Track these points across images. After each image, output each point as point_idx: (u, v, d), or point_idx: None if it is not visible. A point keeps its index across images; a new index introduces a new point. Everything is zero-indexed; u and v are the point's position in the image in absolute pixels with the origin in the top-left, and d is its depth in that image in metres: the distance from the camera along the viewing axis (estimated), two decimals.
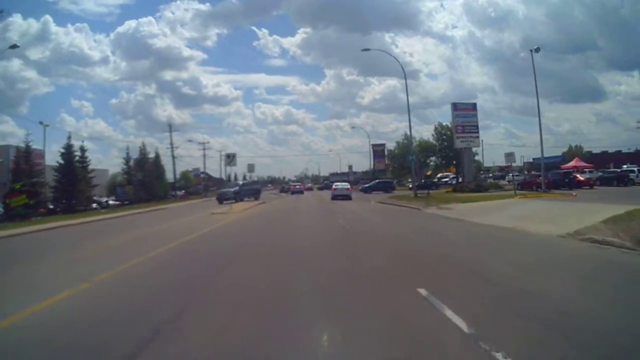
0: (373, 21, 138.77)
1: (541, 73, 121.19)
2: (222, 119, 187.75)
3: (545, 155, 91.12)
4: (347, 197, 43.33)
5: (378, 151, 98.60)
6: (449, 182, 77.09)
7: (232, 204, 36.19)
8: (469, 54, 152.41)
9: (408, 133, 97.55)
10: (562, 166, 57.62)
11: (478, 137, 47.11)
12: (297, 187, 70.62)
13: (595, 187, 42.22)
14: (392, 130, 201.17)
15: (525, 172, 79.79)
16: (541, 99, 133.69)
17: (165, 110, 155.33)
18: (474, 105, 47.91)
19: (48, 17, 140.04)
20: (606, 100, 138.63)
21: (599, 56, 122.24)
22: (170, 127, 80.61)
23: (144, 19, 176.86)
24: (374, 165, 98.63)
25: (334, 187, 48.09)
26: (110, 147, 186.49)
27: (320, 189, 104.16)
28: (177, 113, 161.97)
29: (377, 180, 77.99)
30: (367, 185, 69.79)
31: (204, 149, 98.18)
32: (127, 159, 72.53)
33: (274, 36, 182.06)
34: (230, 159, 43.24)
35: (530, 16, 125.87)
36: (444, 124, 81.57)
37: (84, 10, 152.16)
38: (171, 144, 78.55)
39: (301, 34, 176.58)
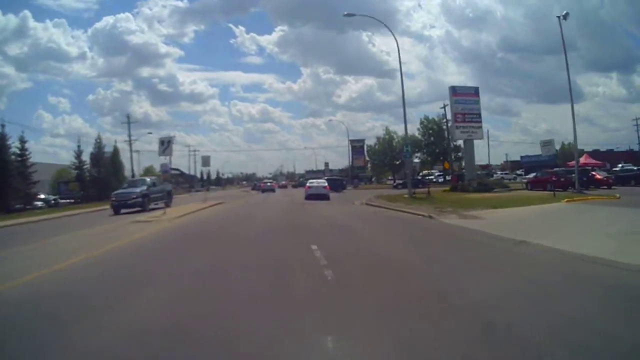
0: (350, 20, 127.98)
1: (518, 74, 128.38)
2: (199, 117, 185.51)
3: (533, 154, 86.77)
4: (323, 197, 34.92)
5: (357, 147, 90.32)
6: (435, 179, 69.13)
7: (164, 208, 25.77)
8: (446, 54, 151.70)
9: (387, 129, 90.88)
10: (568, 164, 49.93)
11: (481, 127, 38.96)
12: (269, 184, 61.94)
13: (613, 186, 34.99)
14: (368, 129, 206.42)
15: (521, 172, 72.82)
16: (518, 99, 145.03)
17: (142, 107, 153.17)
18: (476, 90, 39.62)
19: (27, 13, 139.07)
20: (584, 101, 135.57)
21: (577, 57, 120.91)
22: (129, 117, 70.50)
23: (121, 15, 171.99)
24: (352, 161, 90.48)
25: (307, 184, 38.53)
26: (88, 144, 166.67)
27: (294, 186, 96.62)
28: (153, 110, 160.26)
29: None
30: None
31: (169, 143, 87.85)
32: (78, 153, 62.52)
33: (251, 34, 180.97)
34: (205, 161, 35.34)
35: (508, 17, 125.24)
36: (431, 117, 74.81)
37: (62, 5, 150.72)
38: (129, 136, 68.83)
39: (278, 32, 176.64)
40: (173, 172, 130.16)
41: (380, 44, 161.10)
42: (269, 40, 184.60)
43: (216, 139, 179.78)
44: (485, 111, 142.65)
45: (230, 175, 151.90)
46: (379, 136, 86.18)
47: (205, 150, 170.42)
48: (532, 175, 42.21)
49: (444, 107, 67.88)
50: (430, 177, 79.37)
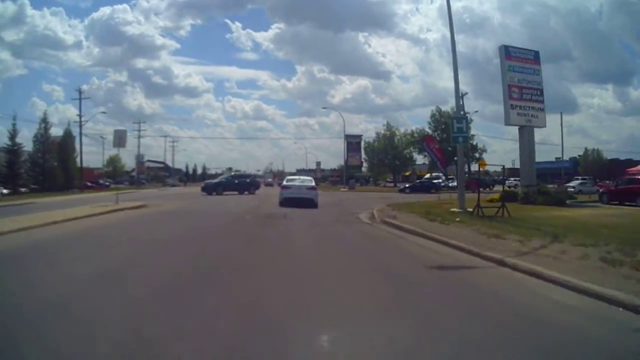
0: (347, 20, 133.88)
1: None
2: (192, 111, 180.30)
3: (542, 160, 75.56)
4: (308, 204, 21.98)
5: (353, 144, 77.03)
6: (443, 183, 55.89)
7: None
8: (442, 58, 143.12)
9: (388, 124, 77.21)
10: (630, 170, 37.00)
11: (543, 109, 25.84)
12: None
13: None
14: (362, 131, 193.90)
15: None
16: None
17: (136, 99, 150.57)
18: (536, 56, 26.49)
19: (25, 0, 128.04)
20: (578, 113, 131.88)
21: (573, 67, 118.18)
22: (80, 92, 56.61)
23: (118, 6, 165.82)
24: (347, 159, 77.45)
25: (285, 182, 24.85)
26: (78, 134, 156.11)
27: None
28: (147, 102, 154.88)
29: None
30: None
31: (138, 132, 74.52)
32: (12, 134, 48.93)
33: (247, 30, 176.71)
34: (119, 138, 22.14)
35: (505, 24, 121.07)
36: (443, 109, 61.98)
37: None
38: (79, 114, 54.91)
39: (274, 29, 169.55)
40: (155, 164, 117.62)
41: (377, 45, 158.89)
42: (264, 37, 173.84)
43: (209, 134, 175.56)
44: (478, 117, 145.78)
45: (218, 171, 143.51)
46: (378, 132, 73.30)
47: (197, 146, 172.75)
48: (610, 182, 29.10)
49: (462, 96, 55.07)
50: (438, 180, 66.45)
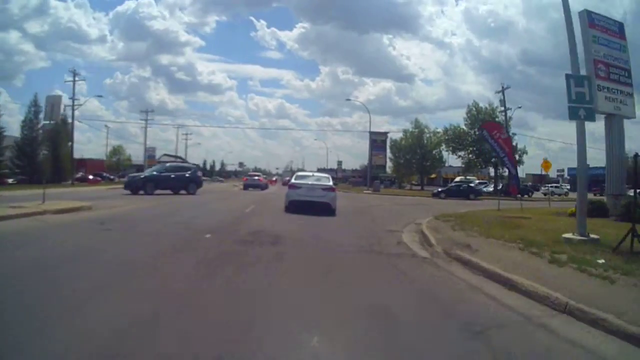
0: (372, 21, 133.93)
1: (537, 88, 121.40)
2: (215, 108, 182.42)
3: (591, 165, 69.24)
4: (324, 208, 16.78)
5: (378, 142, 70.74)
6: (483, 189, 49.34)
7: None
8: (466, 62, 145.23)
9: (417, 120, 70.21)
10: None
11: (632, 96, 19.48)
12: (255, 179, 42.32)
13: None
14: (385, 132, 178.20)
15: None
16: (535, 114, 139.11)
17: (159, 94, 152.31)
18: (621, 29, 20.12)
19: None
20: (601, 119, 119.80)
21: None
22: (75, 73, 51.03)
23: (143, 0, 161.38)
24: (371, 158, 71.35)
25: (293, 181, 18.33)
26: (102, 127, 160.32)
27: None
28: (170, 98, 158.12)
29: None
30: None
31: (146, 122, 69.62)
32: None
33: (272, 28, 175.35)
34: (52, 108, 16.45)
35: (530, 29, 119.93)
36: (480, 104, 55.16)
37: None
38: (72, 97, 49.56)
39: (299, 28, 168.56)
40: (172, 158, 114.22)
41: (401, 48, 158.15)
42: (289, 37, 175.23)
43: (231, 131, 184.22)
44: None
45: (237, 168, 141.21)
46: (406, 129, 66.81)
47: (218, 143, 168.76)
48: None
49: (503, 90, 48.67)
50: (469, 184, 59.95)
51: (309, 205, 16.11)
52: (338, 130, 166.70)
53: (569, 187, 57.73)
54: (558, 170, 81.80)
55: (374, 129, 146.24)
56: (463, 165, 52.23)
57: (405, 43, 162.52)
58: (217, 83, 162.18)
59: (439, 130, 64.39)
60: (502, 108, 48.34)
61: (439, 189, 41.16)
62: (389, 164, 70.74)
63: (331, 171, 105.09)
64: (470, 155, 51.45)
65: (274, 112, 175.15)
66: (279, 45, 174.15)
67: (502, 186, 47.86)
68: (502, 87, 48.86)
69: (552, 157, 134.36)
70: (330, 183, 17.88)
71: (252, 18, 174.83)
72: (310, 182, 17.17)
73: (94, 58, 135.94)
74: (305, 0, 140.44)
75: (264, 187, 40.73)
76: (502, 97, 48.68)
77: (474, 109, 51.29)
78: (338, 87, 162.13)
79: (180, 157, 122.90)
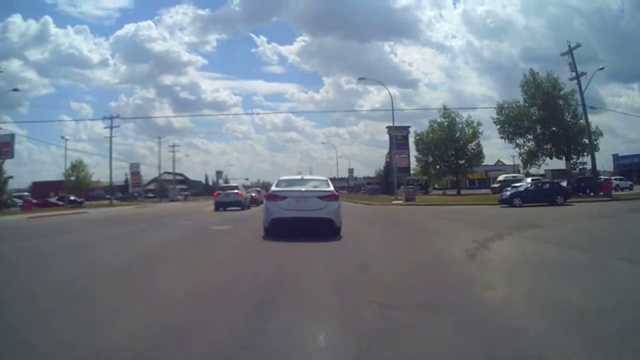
0: (372, 29, 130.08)
1: None
2: (221, 125, 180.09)
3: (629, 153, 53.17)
4: (322, 228, 10.46)
5: (399, 138, 56.86)
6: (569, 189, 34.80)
7: None
8: (468, 64, 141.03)
9: (445, 108, 54.32)
10: None
11: None
12: (230, 193, 27.33)
13: None
14: None
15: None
16: None
17: (164, 114, 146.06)
18: None
19: (48, 18, 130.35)
20: (606, 112, 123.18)
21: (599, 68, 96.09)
22: None
23: (143, 23, 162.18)
24: (390, 158, 57.26)
25: (274, 188, 11.29)
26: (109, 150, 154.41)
27: None
28: (176, 118, 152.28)
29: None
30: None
31: (110, 129, 56.23)
32: None
33: (273, 43, 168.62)
34: None
35: (530, 27, 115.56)
36: (538, 73, 40.71)
37: (83, 13, 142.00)
38: None
39: (300, 41, 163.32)
40: (172, 177, 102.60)
41: (402, 54, 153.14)
42: (290, 50, 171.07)
43: (239, 146, 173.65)
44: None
45: (247, 182, 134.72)
46: (433, 119, 52.65)
47: (228, 158, 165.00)
48: None
49: (571, 51, 34.41)
50: (555, 182, 45.71)
51: (299, 224, 10.56)
52: (345, 139, 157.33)
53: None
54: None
55: (380, 136, 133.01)
56: (523, 157, 37.59)
57: (406, 49, 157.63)
58: (221, 100, 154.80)
59: (473, 119, 50.51)
60: (573, 75, 34.05)
61: (508, 192, 26.64)
62: (413, 163, 56.31)
63: (342, 180, 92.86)
64: (530, 144, 37.14)
65: (280, 125, 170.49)
66: (280, 59, 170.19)
67: (580, 182, 33.69)
68: (570, 47, 34.72)
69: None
70: (330, 188, 11.30)
71: (252, 35, 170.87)
72: (299, 190, 10.91)
73: (97, 82, 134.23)
74: (304, 13, 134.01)
75: (245, 204, 26.88)
76: (570, 60, 34.48)
77: (531, 79, 37.06)
78: (342, 96, 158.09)
79: (181, 175, 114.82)
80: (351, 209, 26.20)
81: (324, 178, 12.84)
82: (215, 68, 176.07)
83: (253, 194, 34.31)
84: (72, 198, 53.12)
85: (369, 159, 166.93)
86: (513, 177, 52.45)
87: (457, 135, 49.54)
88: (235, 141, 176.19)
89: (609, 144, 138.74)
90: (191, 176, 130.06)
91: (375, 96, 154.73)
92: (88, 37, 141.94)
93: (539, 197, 25.23)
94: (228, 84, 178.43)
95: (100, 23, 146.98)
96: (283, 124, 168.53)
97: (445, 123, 50.53)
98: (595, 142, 35.32)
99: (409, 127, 56.51)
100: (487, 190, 59.89)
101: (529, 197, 25.10)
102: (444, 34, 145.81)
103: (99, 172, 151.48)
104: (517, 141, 36.95)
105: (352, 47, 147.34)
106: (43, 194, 54.61)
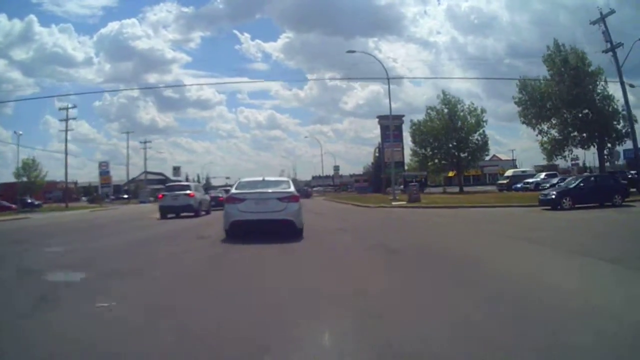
0: (356, 26, 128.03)
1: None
2: (206, 123, 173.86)
3: None
4: (282, 229, 10.25)
5: (389, 128, 50.24)
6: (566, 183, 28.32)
7: None
8: (452, 60, 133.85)
9: (444, 93, 45.36)
10: None
11: None
12: (178, 194, 19.33)
13: None
14: (376, 136, 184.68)
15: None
16: None
17: (149, 113, 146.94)
18: None
19: (32, 17, 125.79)
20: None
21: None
22: None
23: (127, 21, 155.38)
24: (379, 152, 50.54)
25: (234, 191, 10.90)
26: (95, 149, 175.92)
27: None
28: (160, 116, 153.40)
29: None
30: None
31: (66, 121, 48.57)
32: None
33: (257, 40, 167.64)
34: None
35: (515, 22, 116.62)
36: (564, 45, 33.80)
37: (67, 11, 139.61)
38: None
39: (284, 38, 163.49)
40: (153, 176, 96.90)
41: (387, 50, 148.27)
42: (274, 47, 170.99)
43: (223, 145, 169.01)
44: (491, 118, 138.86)
45: (229, 182, 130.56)
46: (431, 106, 45.85)
47: (212, 158, 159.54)
48: None
49: (603, 18, 27.86)
50: (530, 180, 39.20)
51: (259, 226, 10.34)
52: (330, 137, 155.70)
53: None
54: (572, 159, 64.34)
55: (365, 133, 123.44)
56: (546, 146, 30.74)
57: (390, 45, 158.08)
58: (205, 98, 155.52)
59: (476, 106, 43.94)
60: (606, 45, 27.46)
61: (553, 192, 19.63)
62: (407, 157, 49.53)
63: (327, 178, 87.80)
64: (554, 130, 30.47)
65: (264, 123, 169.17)
66: (264, 56, 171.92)
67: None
68: (602, 14, 28.27)
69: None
70: (291, 189, 11.18)
71: (235, 32, 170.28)
72: (258, 192, 10.76)
73: (81, 81, 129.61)
74: (287, 9, 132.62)
75: (198, 209, 19.72)
76: (603, 29, 27.95)
77: (555, 52, 30.35)
78: (327, 93, 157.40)
79: (161, 174, 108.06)
80: (343, 214, 19.32)
81: (286, 179, 13.02)
82: (200, 66, 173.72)
83: (219, 195, 27.34)
84: (29, 200, 47.58)
85: (354, 157, 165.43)
86: (522, 172, 46.10)
87: (458, 125, 42.84)
88: (220, 140, 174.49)
89: None
90: (174, 176, 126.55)
91: (360, 92, 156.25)
92: (72, 36, 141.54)
93: (593, 197, 18.60)
94: (212, 81, 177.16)
95: (84, 21, 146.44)
96: (267, 122, 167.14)
97: (445, 110, 43.85)
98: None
99: (403, 116, 49.43)
100: (492, 188, 53.57)
101: (581, 197, 18.41)
102: (428, 30, 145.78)
103: (85, 174, 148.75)
104: (541, 126, 30.18)
105: (337, 43, 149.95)
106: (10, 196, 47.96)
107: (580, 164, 66.00)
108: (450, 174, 59.77)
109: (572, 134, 29.47)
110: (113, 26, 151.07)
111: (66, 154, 49.03)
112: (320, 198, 51.14)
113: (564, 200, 18.01)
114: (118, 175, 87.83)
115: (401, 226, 13.66)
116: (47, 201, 56.50)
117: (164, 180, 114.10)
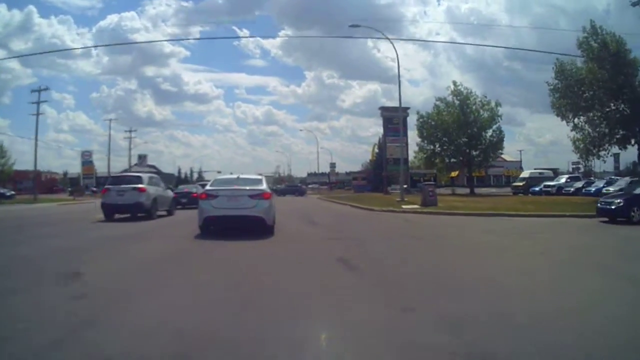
0: (356, 24, 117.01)
1: (523, 83, 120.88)
2: (203, 117, 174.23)
3: None
4: (253, 226, 10.59)
5: (394, 122, 45.65)
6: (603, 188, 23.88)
7: None
8: (451, 62, 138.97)
9: (454, 84, 39.76)
10: None
11: None
12: (125, 190, 14.63)
13: None
14: (373, 135, 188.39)
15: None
16: (523, 109, 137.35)
17: (146, 105, 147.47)
18: None
19: (32, 8, 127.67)
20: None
21: None
22: None
23: (126, 14, 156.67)
24: (384, 145, 45.92)
25: (208, 187, 11.41)
26: (91, 141, 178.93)
27: (279, 193, 55.01)
28: (157, 109, 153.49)
29: None
30: None
31: (38, 105, 43.82)
32: None
33: (255, 37, 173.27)
34: None
35: (514, 25, 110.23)
36: (601, 26, 28.81)
37: (66, 2, 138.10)
38: None
39: (282, 35, 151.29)
40: (145, 169, 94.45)
41: (385, 50, 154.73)
42: (272, 44, 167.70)
43: (220, 139, 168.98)
44: None
45: (219, 175, 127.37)
46: (440, 97, 41.16)
47: (209, 152, 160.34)
48: None
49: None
50: (551, 183, 34.84)
51: (230, 222, 10.67)
52: (327, 134, 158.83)
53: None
54: (573, 163, 63.49)
55: (361, 132, 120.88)
56: (579, 143, 25.90)
57: (389, 45, 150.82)
58: (203, 92, 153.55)
59: (489, 99, 39.45)
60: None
61: (616, 199, 15.21)
62: (412, 154, 44.82)
63: (323, 175, 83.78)
64: (589, 125, 25.81)
65: (261, 118, 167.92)
66: (263, 53, 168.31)
67: None
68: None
69: (542, 151, 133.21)
70: (264, 187, 11.47)
71: (234, 27, 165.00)
72: (230, 189, 11.10)
73: (79, 73, 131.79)
74: (287, 7, 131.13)
75: (150, 208, 15.00)
76: None
77: (591, 35, 25.66)
78: (324, 91, 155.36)
79: (153, 166, 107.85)
80: (345, 224, 14.50)
81: (259, 177, 12.96)
82: (198, 60, 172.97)
83: (193, 191, 22.86)
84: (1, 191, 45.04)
85: (351, 155, 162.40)
86: (540, 173, 41.77)
87: (471, 119, 38.28)
88: (217, 134, 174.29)
89: None
90: (170, 169, 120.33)
91: (357, 91, 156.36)
92: (71, 28, 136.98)
93: None
94: (210, 76, 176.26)
95: (84, 13, 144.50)
96: (264, 118, 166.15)
97: (457, 102, 39.27)
98: None
99: (408, 108, 44.57)
100: (498, 190, 49.40)
101: None
102: (427, 31, 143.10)
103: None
104: (577, 120, 25.52)
105: (335, 41, 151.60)
106: None
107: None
108: (453, 174, 55.53)
109: (614, 130, 24.87)
110: (112, 19, 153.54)
111: (36, 139, 44.25)
112: (315, 196, 46.67)
113: (633, 212, 13.46)
114: (115, 167, 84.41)
115: (440, 249, 8.98)
116: (19, 192, 52.17)
117: (156, 172, 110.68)
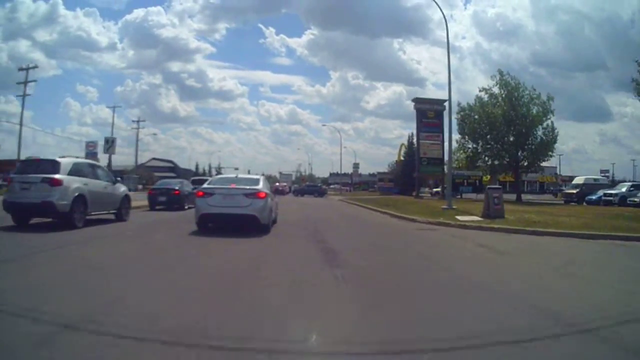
0: (382, 26, 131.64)
1: (548, 89, 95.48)
2: (227, 114, 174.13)
3: None
4: (247, 224, 10.82)
5: (428, 114, 39.70)
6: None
7: None
8: (476, 66, 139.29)
9: (500, 72, 35.56)
10: None
11: None
12: (35, 179, 9.11)
13: None
14: (396, 137, 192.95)
15: None
16: None
17: (170, 101, 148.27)
18: None
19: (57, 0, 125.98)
20: (612, 121, 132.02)
21: (607, 76, 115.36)
22: None
23: (152, 9, 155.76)
24: (417, 142, 40.02)
25: (206, 185, 11.77)
26: (114, 134, 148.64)
27: (296, 193, 51.82)
28: (181, 105, 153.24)
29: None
30: None
31: (24, 87, 39.14)
32: None
33: (281, 35, 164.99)
34: None
35: (540, 32, 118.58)
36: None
37: None
38: None
39: (308, 34, 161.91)
40: (162, 163, 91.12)
41: (411, 52, 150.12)
42: (298, 43, 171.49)
43: (243, 137, 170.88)
44: None
45: (237, 172, 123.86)
46: (484, 88, 35.05)
47: (231, 149, 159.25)
48: None
49: None
50: (612, 191, 28.55)
51: (226, 220, 10.99)
52: (350, 135, 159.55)
53: None
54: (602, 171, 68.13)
55: (385, 134, 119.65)
56: None
57: (415, 47, 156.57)
58: (228, 89, 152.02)
59: (538, 92, 33.25)
60: None
61: None
62: (455, 152, 38.37)
63: (345, 176, 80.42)
64: None
65: (285, 117, 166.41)
66: (288, 51, 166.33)
67: None
68: None
69: (566, 159, 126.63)
70: (260, 186, 11.67)
71: (260, 25, 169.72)
72: (227, 187, 11.40)
73: (104, 66, 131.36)
74: (314, 6, 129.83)
75: (68, 211, 9.66)
76: None
77: None
78: (349, 92, 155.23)
79: (170, 161, 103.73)
80: (388, 249, 8.24)
81: (257, 177, 13.32)
82: (223, 57, 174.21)
83: (175, 188, 17.70)
84: None
85: (374, 156, 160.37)
86: (594, 180, 35.40)
87: (522, 112, 32.07)
88: (240, 132, 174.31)
89: (611, 152, 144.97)
90: (189, 165, 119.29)
91: (382, 92, 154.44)
92: (97, 20, 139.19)
93: None
94: (235, 73, 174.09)
95: (110, 7, 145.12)
96: (288, 117, 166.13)
97: (504, 94, 33.13)
98: None
99: (445, 101, 38.40)
100: (549, 197, 43.20)
101: None
102: (453, 34, 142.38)
103: (104, 158, 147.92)
104: None
105: (361, 42, 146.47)
106: None
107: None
108: (485, 178, 49.34)
109: None
110: (138, 13, 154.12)
111: (21, 124, 39.51)
112: (336, 198, 41.23)
113: None
114: (132, 161, 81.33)
115: None
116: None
117: (173, 168, 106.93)
